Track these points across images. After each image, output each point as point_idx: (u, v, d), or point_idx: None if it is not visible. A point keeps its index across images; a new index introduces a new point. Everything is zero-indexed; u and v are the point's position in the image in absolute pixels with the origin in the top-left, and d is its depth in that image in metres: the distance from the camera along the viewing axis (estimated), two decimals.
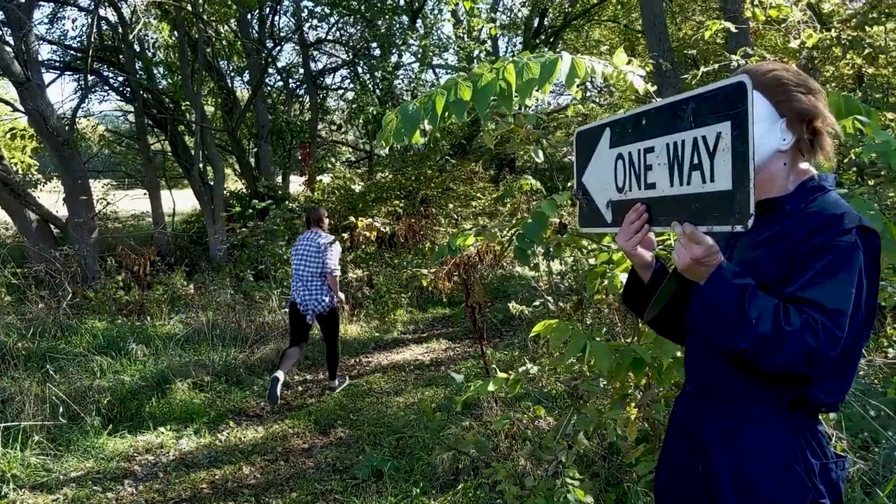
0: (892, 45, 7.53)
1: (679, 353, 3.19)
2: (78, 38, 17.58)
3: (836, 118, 2.18)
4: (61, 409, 5.92)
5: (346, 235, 7.57)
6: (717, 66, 6.08)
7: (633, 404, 3.69)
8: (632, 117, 2.03)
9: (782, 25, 7.53)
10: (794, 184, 1.88)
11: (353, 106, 17.86)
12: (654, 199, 1.92)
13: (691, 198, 1.78)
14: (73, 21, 31.41)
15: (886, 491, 3.22)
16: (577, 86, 2.73)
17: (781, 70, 1.87)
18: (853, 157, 4.99)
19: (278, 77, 19.79)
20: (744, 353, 1.73)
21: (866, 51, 7.16)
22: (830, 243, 1.72)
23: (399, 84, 18.00)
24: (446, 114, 2.74)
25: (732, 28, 5.93)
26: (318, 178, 17.74)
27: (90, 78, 15.89)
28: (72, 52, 17.26)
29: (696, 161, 1.75)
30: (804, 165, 1.90)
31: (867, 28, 7.10)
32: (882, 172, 5.81)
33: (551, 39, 20.54)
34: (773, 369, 1.69)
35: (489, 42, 20.04)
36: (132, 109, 17.84)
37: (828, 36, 6.96)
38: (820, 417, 1.93)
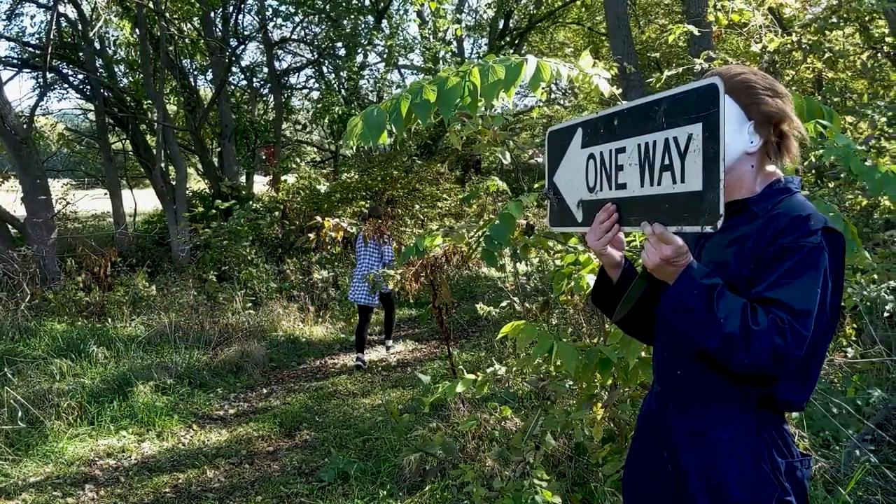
0: (851, 50, 7.68)
1: (644, 353, 3.21)
2: (37, 35, 17.29)
3: None
4: (20, 413, 5.79)
5: (311, 236, 7.50)
6: (681, 69, 6.16)
7: (599, 404, 3.71)
8: (604, 118, 2.03)
9: (744, 30, 7.62)
10: (761, 185, 1.90)
11: (318, 106, 17.76)
12: (625, 199, 1.93)
13: (662, 198, 1.79)
14: (32, 17, 30.91)
15: (848, 489, 3.27)
16: (542, 88, 2.74)
17: (749, 73, 1.89)
18: (813, 160, 5.08)
19: (242, 76, 19.62)
20: (712, 352, 1.75)
21: (826, 55, 7.29)
22: (797, 244, 1.74)
23: (364, 84, 17.95)
24: (412, 117, 2.73)
25: (696, 32, 6.01)
26: (283, 178, 17.61)
27: (49, 75, 15.61)
28: (30, 48, 16.92)
29: (667, 162, 1.76)
30: (771, 168, 1.93)
31: (827, 33, 7.22)
32: (841, 175, 5.94)
33: (516, 41, 20.63)
34: (741, 368, 1.71)
35: (454, 43, 20.06)
36: (92, 108, 17.55)
37: (789, 40, 7.07)
38: (785, 416, 1.95)
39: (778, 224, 1.79)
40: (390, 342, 9.11)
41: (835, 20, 7.03)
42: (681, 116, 1.72)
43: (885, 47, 8.01)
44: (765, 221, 1.82)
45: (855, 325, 5.13)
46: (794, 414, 3.65)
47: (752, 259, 1.81)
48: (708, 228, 1.65)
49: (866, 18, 7.59)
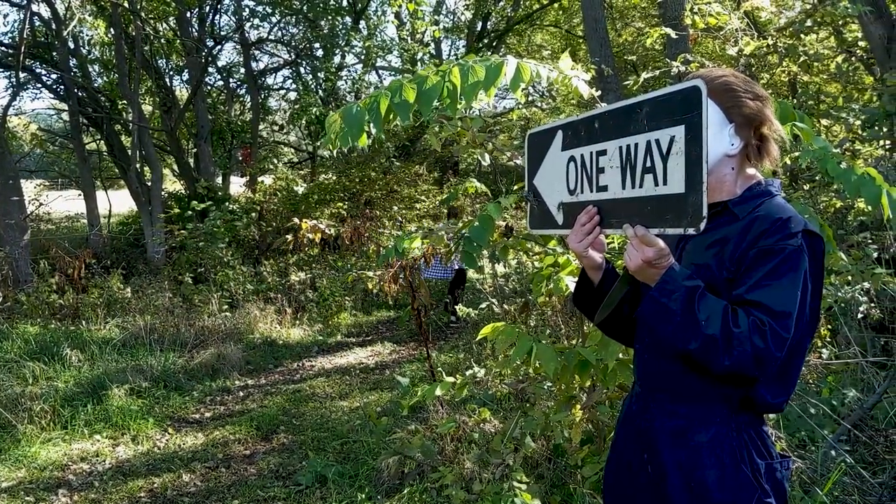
0: (826, 53, 7.76)
1: (622, 355, 3.22)
2: (9, 34, 17.05)
3: None
4: None
5: (289, 237, 7.46)
6: (657, 71, 6.18)
7: (578, 406, 3.71)
8: (585, 120, 2.03)
9: (720, 33, 7.68)
10: (741, 188, 1.91)
11: (296, 106, 17.68)
12: (606, 201, 1.92)
13: (643, 200, 1.79)
14: (5, 16, 30.58)
15: (825, 489, 3.29)
16: (522, 90, 2.74)
17: (730, 76, 1.90)
18: (787, 163, 5.12)
19: (219, 76, 19.46)
20: (692, 354, 1.75)
21: (801, 58, 7.36)
22: (778, 246, 1.75)
23: (342, 85, 17.89)
24: (391, 116, 2.71)
25: (673, 35, 6.04)
26: (260, 178, 17.51)
27: (22, 75, 15.38)
28: (3, 48, 16.66)
29: (648, 164, 1.76)
30: (751, 170, 1.94)
31: (802, 36, 7.29)
32: (817, 177, 6.00)
33: (494, 43, 20.65)
34: (722, 370, 1.71)
35: (432, 45, 20.05)
36: (66, 108, 17.32)
37: (764, 44, 7.13)
38: (764, 417, 1.96)
39: (759, 226, 1.79)
40: (454, 317, 9.83)
41: (809, 24, 7.10)
42: (663, 118, 1.71)
43: (858, 51, 8.11)
44: (745, 224, 1.83)
45: (830, 327, 5.18)
46: (771, 415, 3.68)
47: (732, 261, 1.82)
48: (691, 230, 1.65)
49: (840, 22, 7.68)
